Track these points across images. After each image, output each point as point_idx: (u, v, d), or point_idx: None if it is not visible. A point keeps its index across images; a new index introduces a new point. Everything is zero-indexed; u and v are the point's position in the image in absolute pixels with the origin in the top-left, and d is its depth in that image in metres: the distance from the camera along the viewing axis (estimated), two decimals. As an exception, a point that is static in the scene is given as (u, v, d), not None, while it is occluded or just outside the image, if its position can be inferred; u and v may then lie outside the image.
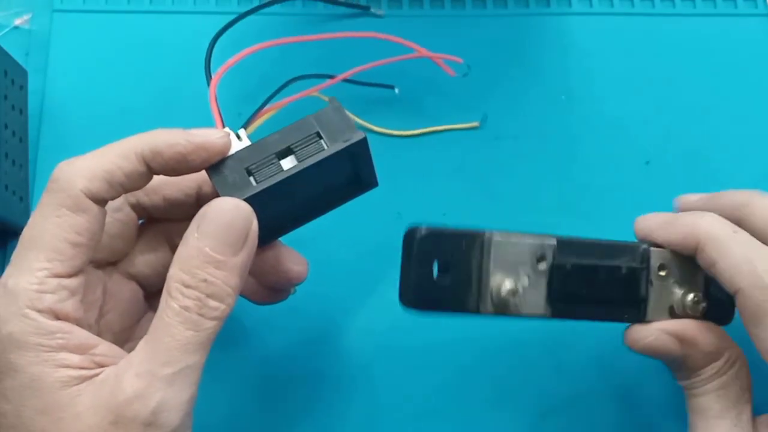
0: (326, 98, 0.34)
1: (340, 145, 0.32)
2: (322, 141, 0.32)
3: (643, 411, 0.42)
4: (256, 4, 0.48)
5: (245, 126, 0.35)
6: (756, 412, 0.34)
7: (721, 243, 0.32)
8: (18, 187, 0.43)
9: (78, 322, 0.30)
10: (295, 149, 0.32)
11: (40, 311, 0.29)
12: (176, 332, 0.29)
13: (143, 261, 0.35)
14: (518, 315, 0.33)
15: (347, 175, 0.34)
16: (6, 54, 0.44)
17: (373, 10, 0.49)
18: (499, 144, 0.47)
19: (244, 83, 0.45)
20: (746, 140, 0.47)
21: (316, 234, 0.37)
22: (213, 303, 0.29)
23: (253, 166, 0.31)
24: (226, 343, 0.41)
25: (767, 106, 0.49)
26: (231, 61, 0.36)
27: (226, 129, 0.33)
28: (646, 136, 0.48)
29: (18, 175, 0.43)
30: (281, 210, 0.33)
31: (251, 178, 0.31)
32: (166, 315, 0.29)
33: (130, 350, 0.30)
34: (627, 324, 0.35)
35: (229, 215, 0.30)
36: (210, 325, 0.29)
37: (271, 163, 0.31)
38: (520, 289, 0.33)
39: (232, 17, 0.43)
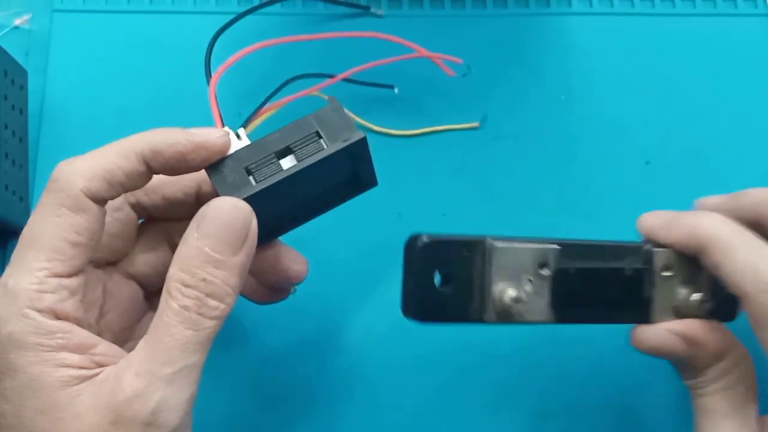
0: (326, 97, 0.34)
1: (339, 145, 0.32)
2: (321, 140, 0.32)
3: (643, 413, 0.42)
4: (256, 3, 0.48)
5: (245, 125, 0.35)
6: (762, 412, 0.34)
7: (725, 245, 0.32)
8: (18, 187, 0.43)
9: (78, 322, 0.30)
10: (294, 149, 0.32)
11: (40, 311, 0.29)
12: (176, 332, 0.29)
13: (143, 260, 0.35)
14: (522, 322, 0.33)
15: (347, 174, 0.34)
16: (6, 54, 0.44)
17: (373, 10, 0.49)
18: (499, 144, 0.47)
19: (244, 82, 0.45)
20: (746, 140, 0.47)
21: (315, 233, 0.37)
22: (212, 302, 0.29)
23: (253, 166, 0.31)
24: (226, 343, 0.41)
25: (767, 106, 0.49)
26: (231, 59, 0.36)
27: (226, 128, 0.33)
28: (646, 136, 0.48)
29: (18, 175, 0.43)
30: (281, 209, 0.33)
31: (251, 178, 0.31)
32: (166, 314, 0.29)
33: (130, 350, 0.30)
34: (632, 325, 0.35)
35: (228, 215, 0.30)
36: (210, 325, 0.29)
37: (271, 163, 0.31)
38: (524, 297, 0.33)
39: (232, 17, 0.43)
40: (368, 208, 0.40)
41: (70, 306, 0.29)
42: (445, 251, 0.32)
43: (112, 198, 0.31)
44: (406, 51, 0.44)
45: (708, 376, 0.34)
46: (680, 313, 0.34)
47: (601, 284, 0.34)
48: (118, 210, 0.34)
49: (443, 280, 0.32)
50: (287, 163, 0.32)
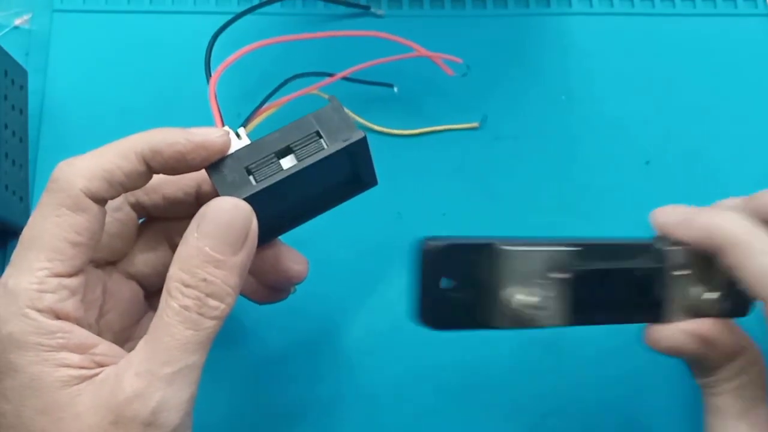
0: (326, 96, 0.34)
1: (339, 145, 0.32)
2: (321, 140, 0.32)
3: (643, 413, 0.42)
4: (255, 3, 0.48)
5: (244, 124, 0.35)
6: None
7: (743, 248, 0.31)
8: (18, 187, 0.43)
9: (78, 322, 0.30)
10: (294, 148, 0.32)
11: (40, 311, 0.29)
12: (176, 332, 0.29)
13: (143, 260, 0.35)
14: (536, 326, 0.32)
15: (347, 174, 0.34)
16: (6, 54, 0.44)
17: (373, 10, 0.49)
18: (499, 144, 0.47)
19: (244, 82, 0.45)
20: (746, 140, 0.47)
21: (315, 233, 0.37)
22: (213, 302, 0.29)
23: (253, 165, 0.31)
24: (226, 343, 0.41)
25: (767, 106, 0.49)
26: (231, 58, 0.36)
27: (226, 128, 0.33)
28: (646, 136, 0.48)
29: (18, 175, 0.43)
30: (281, 209, 0.33)
31: (251, 178, 0.31)
32: (166, 314, 0.29)
33: (130, 350, 0.30)
34: (644, 324, 0.34)
35: (228, 215, 0.30)
36: (210, 325, 0.29)
37: (271, 163, 0.31)
38: (537, 301, 0.32)
39: (231, 17, 0.42)
40: (368, 208, 0.40)
41: (70, 306, 0.29)
42: (456, 256, 0.32)
43: (112, 198, 0.31)
44: (405, 50, 0.44)
45: (721, 375, 0.34)
46: (694, 311, 0.34)
47: (616, 285, 0.33)
48: (118, 210, 0.34)
49: (455, 286, 0.32)
50: (287, 162, 0.32)
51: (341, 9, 0.50)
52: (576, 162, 0.47)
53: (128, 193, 0.33)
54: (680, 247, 0.34)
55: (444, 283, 0.31)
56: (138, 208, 0.34)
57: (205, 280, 0.29)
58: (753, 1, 0.51)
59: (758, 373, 0.34)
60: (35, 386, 0.28)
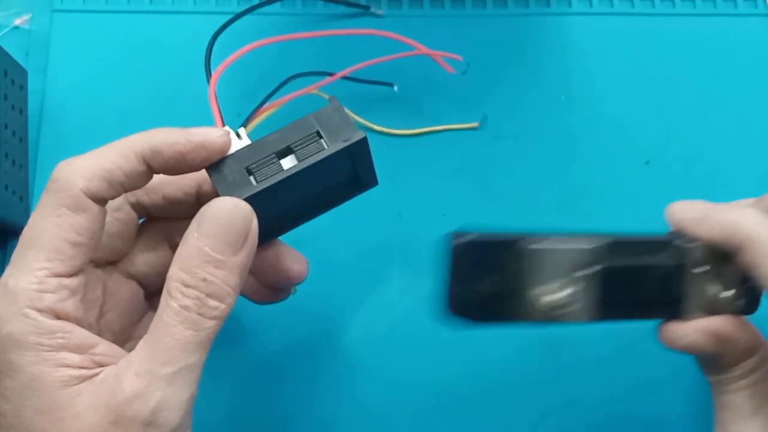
0: (326, 96, 0.34)
1: (340, 145, 0.32)
2: (322, 140, 0.32)
3: (643, 412, 0.42)
4: (255, 3, 0.48)
5: (245, 124, 0.35)
6: None
7: (762, 246, 0.31)
8: (18, 187, 0.43)
9: (78, 322, 0.30)
10: (295, 149, 0.32)
11: (40, 311, 0.29)
12: (176, 332, 0.29)
13: (143, 260, 0.35)
14: (565, 322, 0.33)
15: (347, 174, 0.34)
16: (6, 54, 0.44)
17: (373, 9, 0.49)
18: (499, 144, 0.47)
19: (244, 81, 0.45)
20: (746, 140, 0.47)
21: (316, 233, 0.37)
22: (213, 302, 0.29)
23: (253, 166, 0.31)
24: (226, 343, 0.41)
25: (767, 106, 0.49)
26: (231, 58, 0.36)
27: (226, 128, 0.33)
28: (646, 136, 0.48)
29: (18, 175, 0.43)
30: (281, 209, 0.33)
31: (251, 178, 0.31)
32: (166, 314, 0.29)
33: (130, 350, 0.30)
34: (659, 321, 0.34)
35: (228, 215, 0.30)
36: (210, 325, 0.29)
37: (271, 163, 0.31)
38: (567, 296, 0.32)
39: (231, 17, 0.42)
40: (368, 208, 0.40)
41: (70, 306, 0.29)
42: (484, 252, 0.32)
43: (112, 198, 0.31)
44: (405, 49, 0.44)
45: (734, 373, 0.34)
46: (711, 309, 0.34)
47: (639, 282, 0.33)
48: (119, 210, 0.34)
49: (486, 279, 0.32)
50: (288, 163, 0.32)
51: (341, 9, 0.50)
52: (576, 162, 0.47)
53: (128, 193, 0.33)
54: (699, 244, 0.33)
55: (473, 277, 0.32)
56: (138, 207, 0.34)
57: (205, 280, 0.29)
58: (753, 1, 0.51)
59: None
60: (35, 386, 0.28)
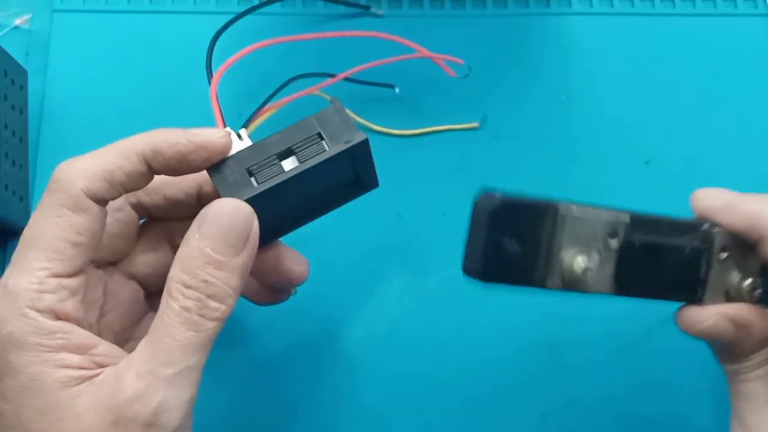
0: (328, 97, 0.34)
1: (341, 147, 0.32)
2: (323, 142, 0.32)
3: (643, 413, 0.42)
4: (255, 3, 0.48)
5: (246, 125, 0.35)
6: None
7: None
8: (18, 187, 0.43)
9: (78, 322, 0.29)
10: (296, 150, 0.32)
11: (40, 311, 0.28)
12: (177, 333, 0.29)
13: (144, 261, 0.35)
14: (585, 291, 0.32)
15: (348, 175, 0.34)
16: (6, 54, 0.44)
17: (373, 10, 0.49)
18: (499, 144, 0.47)
19: (245, 82, 0.45)
20: (746, 140, 0.47)
21: (316, 234, 0.37)
22: (213, 304, 0.29)
23: (255, 167, 0.31)
24: (226, 343, 0.41)
25: (767, 106, 0.49)
26: (232, 58, 0.36)
27: (227, 128, 0.33)
28: (646, 136, 0.48)
29: (18, 175, 0.43)
30: (282, 210, 0.33)
31: (252, 179, 0.31)
32: (167, 315, 0.29)
33: (130, 350, 0.30)
34: (678, 304, 0.34)
35: (229, 216, 0.30)
36: (210, 326, 0.29)
37: (273, 164, 0.31)
38: (592, 265, 0.32)
39: (232, 17, 0.43)
40: (368, 208, 0.40)
41: (70, 306, 0.29)
42: (516, 213, 0.31)
43: (113, 198, 0.30)
44: (406, 51, 0.44)
45: (752, 361, 0.34)
46: (729, 296, 0.34)
47: (663, 260, 0.33)
48: (119, 210, 0.34)
49: (511, 242, 0.31)
50: (289, 164, 0.32)
51: (341, 9, 0.50)
52: (576, 162, 0.47)
53: (129, 194, 0.33)
54: (725, 230, 0.33)
55: (498, 237, 0.31)
56: (139, 208, 0.34)
57: (206, 281, 0.29)
58: (753, 1, 0.51)
59: None
60: (35, 387, 0.28)
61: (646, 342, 0.43)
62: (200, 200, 0.34)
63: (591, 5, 0.51)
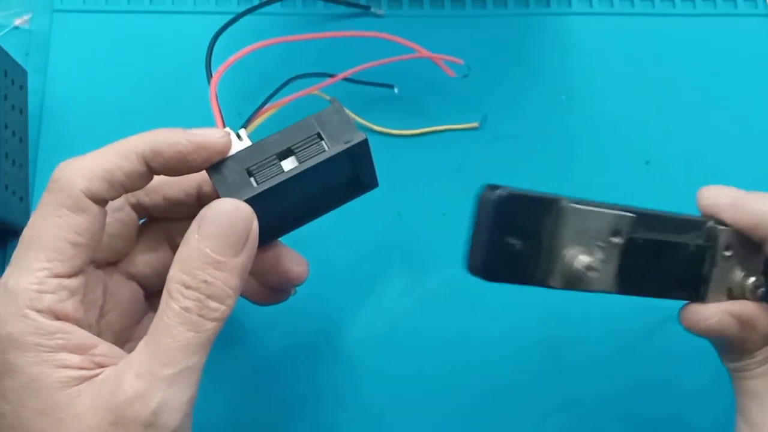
0: (327, 97, 0.34)
1: (341, 147, 0.31)
2: (323, 142, 0.32)
3: (643, 412, 0.42)
4: (255, 3, 0.48)
5: (245, 125, 0.35)
6: None
7: None
8: (18, 187, 0.43)
9: (78, 322, 0.29)
10: (296, 150, 0.32)
11: (39, 311, 0.28)
12: (176, 333, 0.29)
13: (144, 261, 0.35)
14: (587, 290, 0.32)
15: (348, 175, 0.34)
16: (6, 54, 0.44)
17: (373, 10, 0.49)
18: (499, 144, 0.47)
19: (244, 82, 0.45)
20: (746, 140, 0.48)
21: (316, 234, 0.37)
22: (213, 304, 0.29)
23: (254, 167, 0.31)
24: (226, 343, 0.41)
25: (767, 106, 0.49)
26: (232, 58, 0.36)
27: (227, 129, 0.33)
28: (646, 136, 0.48)
29: (18, 175, 0.43)
30: (281, 210, 0.33)
31: (252, 179, 0.31)
32: (167, 316, 0.29)
33: (130, 351, 0.30)
34: (680, 302, 0.34)
35: (229, 216, 0.30)
36: (210, 326, 0.29)
37: (272, 164, 0.31)
38: (595, 264, 0.31)
39: (232, 17, 0.43)
40: (368, 208, 0.40)
41: (70, 306, 0.29)
42: (520, 208, 0.30)
43: (113, 198, 0.30)
44: (406, 51, 0.44)
45: (756, 358, 0.34)
46: (732, 294, 0.34)
47: (667, 258, 0.33)
48: (119, 210, 0.34)
49: (514, 238, 0.30)
50: (288, 164, 0.32)
51: (341, 9, 0.50)
52: (576, 162, 0.47)
53: (129, 194, 0.33)
54: (730, 228, 0.33)
55: (502, 233, 0.30)
56: (139, 208, 0.34)
57: (205, 281, 0.29)
58: (753, 1, 0.51)
59: None
60: (34, 387, 0.28)
61: (646, 342, 0.43)
62: (200, 200, 0.34)
63: (591, 5, 0.51)
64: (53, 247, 0.29)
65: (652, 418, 0.42)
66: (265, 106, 0.41)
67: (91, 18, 0.49)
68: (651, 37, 0.50)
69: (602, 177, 0.46)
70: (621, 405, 0.42)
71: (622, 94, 0.49)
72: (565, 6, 0.51)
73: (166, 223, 0.35)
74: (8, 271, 0.29)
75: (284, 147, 0.32)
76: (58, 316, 0.29)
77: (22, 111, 0.45)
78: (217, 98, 0.35)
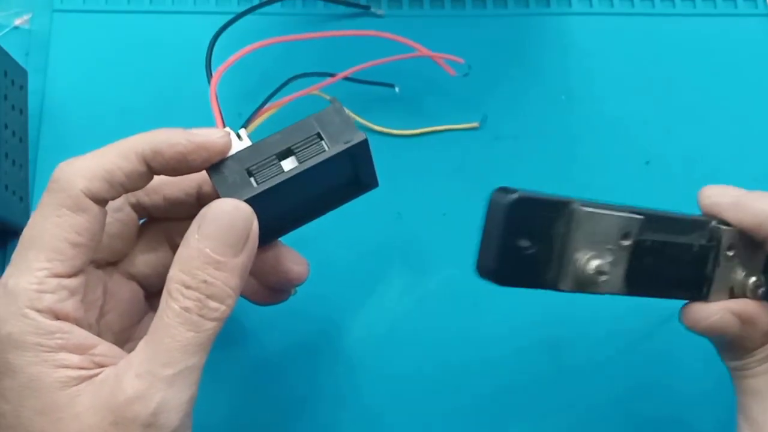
0: (327, 97, 0.34)
1: (341, 147, 0.31)
2: (323, 142, 0.32)
3: (643, 412, 0.42)
4: (255, 3, 0.48)
5: (245, 125, 0.35)
6: None
7: None
8: (18, 187, 0.43)
9: (78, 322, 0.29)
10: (296, 150, 0.32)
11: (39, 311, 0.28)
12: (176, 333, 0.29)
13: (143, 261, 0.35)
14: (597, 293, 0.31)
15: (348, 175, 0.34)
16: (6, 54, 0.44)
17: (373, 9, 0.49)
18: (499, 144, 0.47)
19: (245, 82, 0.45)
20: (746, 140, 0.48)
21: (316, 234, 0.37)
22: (213, 304, 0.29)
23: (254, 167, 0.31)
24: (226, 343, 0.41)
25: (767, 106, 0.49)
26: (232, 58, 0.36)
27: (227, 128, 0.33)
28: (646, 136, 0.48)
29: (18, 175, 0.43)
30: (281, 210, 0.33)
31: (252, 179, 0.31)
32: (167, 316, 0.29)
33: (130, 350, 0.30)
34: (682, 302, 0.34)
35: (229, 216, 0.30)
36: (210, 326, 0.29)
37: (272, 164, 0.31)
38: (605, 267, 0.31)
39: (232, 17, 0.43)
40: (368, 208, 0.40)
41: (69, 306, 0.29)
42: (532, 211, 0.30)
43: (113, 198, 0.30)
44: (406, 50, 0.44)
45: (757, 356, 0.34)
46: (733, 294, 0.34)
47: (673, 258, 0.33)
48: (119, 210, 0.34)
49: (525, 242, 0.30)
50: (288, 164, 0.32)
51: (341, 9, 0.49)
52: (576, 162, 0.47)
53: (129, 194, 0.33)
54: (734, 229, 0.33)
55: (513, 237, 0.30)
56: (139, 208, 0.34)
57: (205, 281, 0.29)
58: (753, 1, 0.51)
59: None
60: (34, 387, 0.28)
61: (646, 342, 0.43)
62: (200, 200, 0.34)
63: (591, 5, 0.51)
64: (53, 247, 0.29)
65: (652, 419, 0.42)
66: (265, 106, 0.41)
67: (91, 18, 0.49)
68: (651, 37, 0.50)
69: (602, 177, 0.46)
70: (621, 405, 0.42)
71: (622, 94, 0.49)
72: (565, 6, 0.51)
73: (166, 223, 0.35)
74: (8, 270, 0.29)
75: (284, 147, 0.32)
76: (57, 316, 0.29)
77: (22, 111, 0.45)
78: (217, 98, 0.35)
